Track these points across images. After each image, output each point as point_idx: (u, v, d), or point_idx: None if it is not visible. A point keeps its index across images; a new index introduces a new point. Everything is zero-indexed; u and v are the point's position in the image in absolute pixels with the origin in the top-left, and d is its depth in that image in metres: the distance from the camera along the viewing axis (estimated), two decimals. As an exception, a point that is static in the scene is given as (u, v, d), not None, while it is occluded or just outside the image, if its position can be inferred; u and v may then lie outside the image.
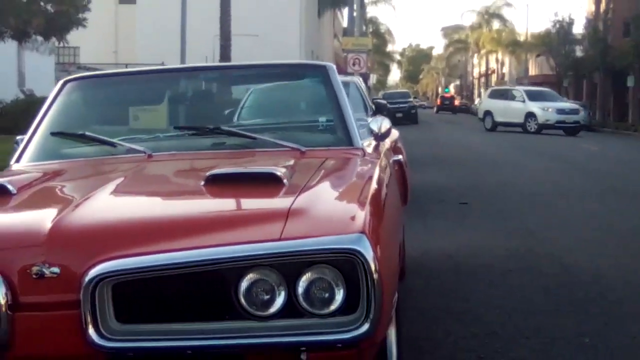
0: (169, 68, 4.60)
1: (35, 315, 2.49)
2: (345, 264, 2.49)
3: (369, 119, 4.45)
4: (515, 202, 11.25)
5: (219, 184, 3.10)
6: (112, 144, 4.02)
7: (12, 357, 2.50)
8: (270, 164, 3.34)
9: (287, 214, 2.65)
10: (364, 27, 52.93)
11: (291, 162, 3.42)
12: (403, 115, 39.57)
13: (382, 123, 4.25)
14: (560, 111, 34.31)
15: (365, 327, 2.48)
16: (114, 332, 2.49)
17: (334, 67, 4.43)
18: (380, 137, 4.25)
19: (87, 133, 4.08)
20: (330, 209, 2.83)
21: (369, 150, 4.04)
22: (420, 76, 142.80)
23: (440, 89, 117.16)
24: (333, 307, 2.52)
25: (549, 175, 15.12)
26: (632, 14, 42.50)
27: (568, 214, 10.11)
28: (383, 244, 2.71)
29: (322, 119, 4.27)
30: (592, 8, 51.96)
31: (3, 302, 2.45)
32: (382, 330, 2.62)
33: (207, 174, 3.13)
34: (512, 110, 35.40)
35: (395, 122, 6.03)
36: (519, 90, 38.15)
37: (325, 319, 2.52)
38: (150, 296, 2.54)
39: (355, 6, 40.66)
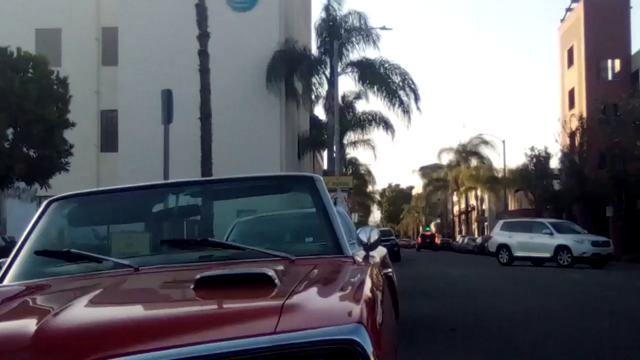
0: (153, 184, 4.56)
1: None
2: (343, 355, 2.40)
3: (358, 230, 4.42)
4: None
5: (209, 286, 3.03)
6: (98, 260, 3.95)
7: None
8: (260, 267, 3.28)
9: (280, 309, 2.57)
10: (344, 169, 53.58)
11: (282, 268, 3.36)
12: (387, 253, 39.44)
13: (370, 233, 4.22)
14: (595, 243, 33.21)
15: None
16: None
17: (321, 178, 4.43)
18: (369, 247, 4.21)
19: (72, 250, 4.01)
20: (325, 303, 2.77)
21: (359, 259, 3.99)
22: (401, 216, 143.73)
23: (421, 228, 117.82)
24: None
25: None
26: (606, 145, 43.38)
27: None
28: (379, 334, 2.64)
29: (311, 229, 4.23)
30: (568, 141, 52.98)
31: None
32: None
33: (197, 276, 3.05)
34: (537, 243, 33.69)
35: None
36: (544, 222, 36.45)
37: None
38: None
39: (334, 147, 41.22)
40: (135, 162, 35.73)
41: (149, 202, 4.55)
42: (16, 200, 27.62)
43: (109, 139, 41.38)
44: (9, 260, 4.17)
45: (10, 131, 22.90)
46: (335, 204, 4.35)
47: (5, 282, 4.00)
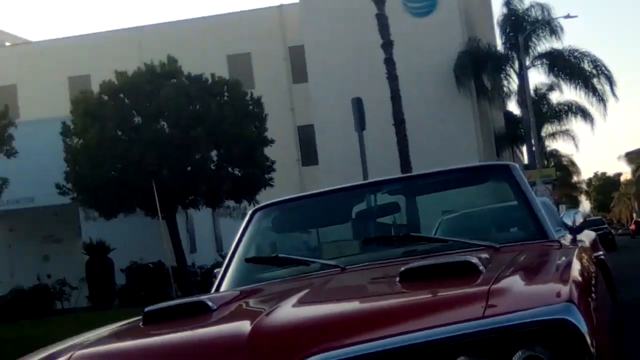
0: (351, 185, 4.64)
1: None
2: (556, 337, 2.35)
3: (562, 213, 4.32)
4: None
5: (413, 278, 3.05)
6: (306, 263, 4.06)
7: None
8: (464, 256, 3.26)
9: (487, 294, 2.56)
10: (545, 161, 52.22)
11: (486, 256, 3.33)
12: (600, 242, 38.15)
13: (575, 216, 4.11)
14: None
15: None
16: None
17: (517, 166, 4.36)
18: (575, 230, 4.10)
19: (280, 255, 4.15)
20: (532, 285, 2.74)
21: (566, 242, 3.90)
22: (612, 204, 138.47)
23: (634, 215, 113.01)
24: None
25: None
26: None
27: None
28: (592, 314, 2.56)
29: (513, 215, 4.18)
30: None
31: None
32: None
33: (401, 269, 3.08)
34: None
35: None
36: None
37: None
38: None
39: (532, 141, 40.32)
40: (335, 172, 36.22)
41: (349, 203, 4.63)
42: (228, 219, 28.68)
43: (308, 153, 42.22)
44: (222, 269, 4.37)
45: (214, 153, 23.83)
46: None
47: (221, 289, 4.18)
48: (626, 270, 19.65)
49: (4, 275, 28.03)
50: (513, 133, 46.81)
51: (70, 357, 2.84)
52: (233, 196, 24.14)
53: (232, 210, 29.17)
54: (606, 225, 45.56)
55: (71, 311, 22.85)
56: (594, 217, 57.70)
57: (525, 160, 48.32)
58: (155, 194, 9.30)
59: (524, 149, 48.63)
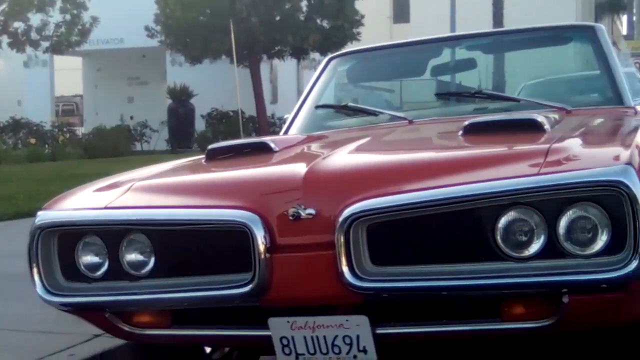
0: (431, 38, 4.54)
1: (292, 257, 2.51)
2: (610, 199, 2.32)
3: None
4: None
5: (477, 132, 3.02)
6: (375, 113, 4.05)
7: (270, 298, 2.53)
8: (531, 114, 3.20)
9: (546, 152, 2.52)
10: (646, 33, 50.31)
11: (555, 116, 3.26)
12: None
13: (659, 84, 3.96)
14: None
15: (634, 264, 2.28)
16: (369, 273, 2.46)
17: (603, 27, 4.20)
18: (657, 99, 3.96)
19: (350, 104, 4.13)
20: (593, 147, 2.68)
21: None
22: None
23: None
24: (597, 247, 2.35)
25: None
26: None
27: None
28: None
29: (590, 78, 4.06)
30: None
31: (262, 244, 2.49)
32: None
33: (465, 122, 3.05)
34: None
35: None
36: None
37: (589, 259, 2.36)
38: (405, 237, 2.49)
39: (634, 10, 38.81)
40: (427, 32, 35.34)
41: (426, 57, 4.55)
42: (312, 72, 28.63)
43: (401, 10, 41.46)
44: (292, 114, 4.38)
45: (304, 3, 23.57)
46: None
47: (290, 133, 4.21)
48: None
49: (90, 114, 28.77)
50: (615, 1, 45.06)
51: (131, 186, 2.91)
52: (319, 49, 23.96)
53: (317, 63, 29.01)
54: None
55: (150, 152, 23.34)
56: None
57: (624, 31, 46.69)
58: (233, 37, 9.27)
59: (625, 18, 46.89)
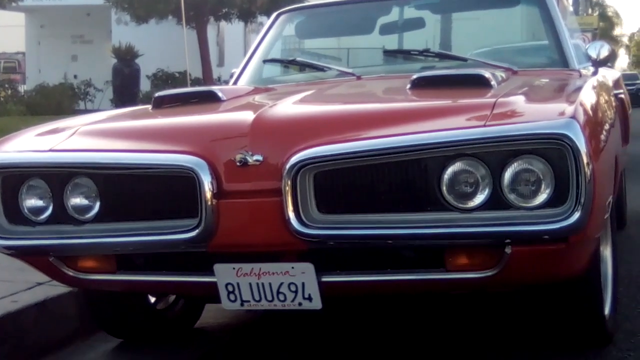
0: None
1: (239, 203, 2.52)
2: (554, 152, 2.36)
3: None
4: None
5: (424, 86, 3.05)
6: (322, 69, 4.06)
7: (216, 244, 2.54)
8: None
9: (493, 105, 2.55)
10: (590, 10, 51.02)
11: (503, 75, 3.29)
12: (631, 98, 37.65)
13: (600, 49, 4.01)
14: None
15: (575, 216, 2.33)
16: (315, 220, 2.48)
17: (550, -9, 4.24)
18: (598, 63, 4.02)
19: (298, 59, 4.13)
20: (539, 102, 2.72)
21: (586, 72, 3.84)
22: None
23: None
24: (540, 199, 2.40)
25: None
26: None
27: None
28: (596, 136, 2.55)
29: (536, 41, 4.11)
30: None
31: (209, 190, 2.49)
32: (593, 226, 2.46)
33: (414, 77, 3.06)
34: None
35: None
36: None
37: (532, 211, 2.40)
38: (351, 186, 2.51)
39: (580, -15, 39.25)
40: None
41: (375, 15, 4.55)
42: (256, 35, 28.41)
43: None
44: (240, 68, 4.37)
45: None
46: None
47: (237, 85, 4.19)
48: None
49: (32, 71, 28.24)
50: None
51: (77, 131, 2.88)
52: (267, 12, 23.76)
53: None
54: (639, 81, 44.79)
55: (94, 112, 22.99)
56: (628, 72, 56.84)
57: (570, 6, 47.22)
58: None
59: (569, -6, 47.46)
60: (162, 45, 23.76)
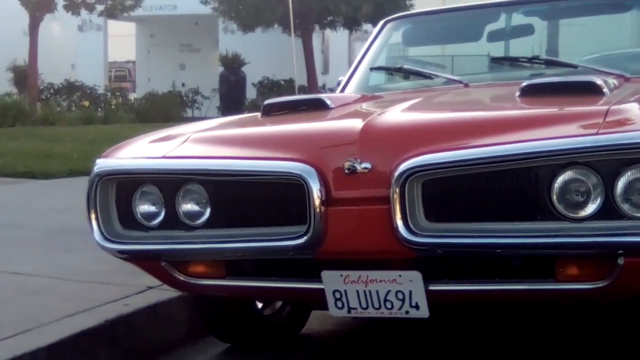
0: (488, 3, 4.49)
1: (347, 210, 2.53)
2: None
3: None
4: None
5: (534, 93, 3.01)
6: (430, 76, 4.04)
7: (324, 251, 2.56)
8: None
9: (605, 113, 2.50)
10: None
11: (615, 82, 3.22)
12: None
13: None
14: None
15: None
16: (423, 228, 2.47)
17: (665, -5, 4.13)
18: None
19: (405, 66, 4.13)
20: None
21: None
22: None
23: None
24: None
25: None
26: None
27: None
28: None
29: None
30: None
31: (317, 197, 2.51)
32: None
33: (523, 84, 3.03)
34: None
35: None
36: None
37: None
38: (460, 194, 2.50)
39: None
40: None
41: (482, 21, 4.51)
42: (364, 43, 28.40)
43: (454, -18, 41.13)
44: (347, 76, 4.38)
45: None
46: None
47: (345, 92, 4.22)
48: None
49: (142, 80, 28.92)
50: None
51: (188, 138, 2.94)
52: (371, 20, 23.77)
53: (369, 35, 28.86)
54: None
55: (201, 119, 23.39)
56: None
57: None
58: (291, 5, 9.23)
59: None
60: (268, 53, 24.04)
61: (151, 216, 2.83)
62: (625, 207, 2.36)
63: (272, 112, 3.34)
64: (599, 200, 2.37)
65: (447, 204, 2.51)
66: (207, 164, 2.77)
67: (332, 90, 23.76)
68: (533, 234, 2.41)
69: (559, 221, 2.41)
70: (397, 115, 2.82)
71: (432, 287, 2.54)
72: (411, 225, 2.46)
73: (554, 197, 2.40)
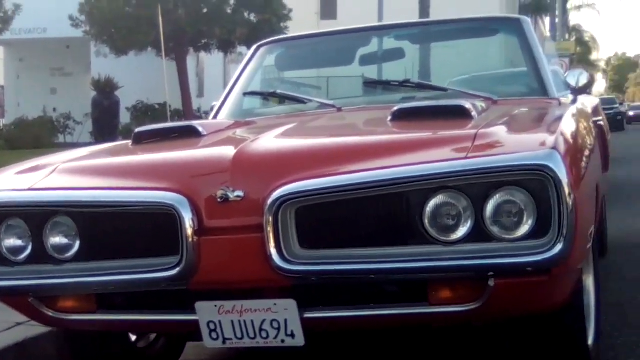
0: (360, 27, 4.55)
1: (220, 239, 2.49)
2: (535, 183, 2.35)
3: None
4: None
5: (405, 118, 3.04)
6: (303, 101, 4.05)
7: (198, 282, 2.51)
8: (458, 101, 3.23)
9: (474, 137, 2.54)
10: (567, 35, 51.55)
11: (483, 105, 3.29)
12: (609, 122, 37.88)
13: (579, 77, 4.03)
14: None
15: (558, 248, 2.33)
16: (297, 256, 2.46)
17: (529, 20, 4.27)
18: (577, 91, 4.03)
19: (278, 91, 4.13)
20: (520, 133, 2.73)
21: (565, 101, 3.86)
22: (627, 85, 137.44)
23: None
24: (523, 230, 2.39)
25: None
26: None
27: None
28: (577, 166, 2.55)
29: (516, 70, 4.13)
30: None
31: (190, 227, 2.47)
32: (576, 257, 2.45)
33: (394, 108, 3.06)
34: None
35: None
36: None
37: (515, 243, 2.39)
38: (334, 220, 2.49)
39: (557, 12, 39.60)
40: (353, 29, 35.73)
41: (354, 46, 4.56)
42: (239, 66, 28.40)
43: (328, 7, 41.63)
44: (220, 101, 4.36)
45: (232, -4, 23.41)
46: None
47: (218, 118, 4.18)
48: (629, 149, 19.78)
49: (11, 105, 28.14)
50: (538, 2, 46.01)
51: (56, 169, 2.85)
52: (246, 42, 23.80)
53: (243, 58, 28.88)
54: (617, 105, 45.18)
55: (73, 145, 22.90)
56: (606, 96, 57.27)
57: (547, 32, 47.68)
58: (161, 28, 9.15)
59: (547, 20, 47.95)
60: (141, 77, 23.75)
61: (17, 250, 2.72)
62: (495, 229, 2.40)
63: (143, 140, 3.28)
64: (469, 223, 2.41)
65: (321, 230, 2.50)
66: (75, 196, 2.68)
67: (207, 113, 23.81)
68: (406, 258, 2.43)
69: (431, 245, 2.43)
70: (270, 142, 2.80)
71: (307, 315, 2.53)
72: (285, 253, 2.44)
73: (426, 221, 2.42)
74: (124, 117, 24.41)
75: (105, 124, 23.34)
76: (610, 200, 6.35)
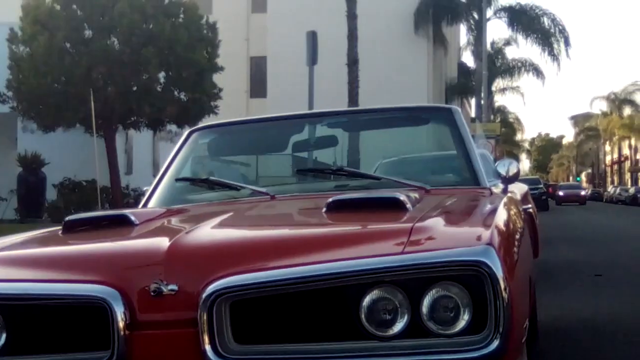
0: (292, 114, 4.58)
1: (153, 334, 2.44)
2: (471, 279, 2.36)
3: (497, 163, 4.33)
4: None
5: (339, 209, 3.04)
6: (236, 188, 4.03)
7: None
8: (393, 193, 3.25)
9: (410, 231, 2.55)
10: (492, 116, 52.77)
11: (415, 195, 3.32)
12: (534, 202, 38.64)
13: (509, 166, 4.11)
14: None
15: (495, 344, 2.32)
16: (232, 352, 2.41)
17: (460, 110, 4.36)
18: (508, 180, 4.11)
19: (211, 178, 4.11)
20: (455, 227, 2.74)
21: (496, 191, 3.92)
22: (550, 165, 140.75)
23: (571, 178, 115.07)
24: (459, 326, 2.38)
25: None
26: None
27: None
28: (511, 259, 2.57)
29: (448, 159, 4.19)
30: None
31: (121, 321, 2.41)
32: (512, 352, 2.45)
33: (329, 200, 3.06)
34: None
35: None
36: None
37: (451, 338, 2.38)
38: (269, 315, 2.46)
39: (482, 94, 40.60)
40: (283, 108, 35.60)
41: (287, 132, 4.58)
42: (168, 144, 28.33)
43: (257, 85, 42.05)
44: (151, 187, 4.31)
45: (162, 75, 23.43)
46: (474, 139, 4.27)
47: (149, 206, 4.13)
48: (553, 230, 20.17)
49: None
50: (464, 85, 47.22)
51: None
52: (176, 120, 23.81)
53: (174, 135, 28.73)
54: (542, 186, 46.21)
55: (-3, 222, 22.50)
56: (531, 177, 58.48)
57: (473, 113, 48.77)
58: (92, 107, 9.12)
59: (473, 101, 49.11)
60: (69, 153, 23.49)
61: None
62: (431, 324, 2.39)
63: (73, 228, 3.21)
64: (405, 318, 2.40)
65: (257, 325, 2.46)
66: (2, 288, 2.60)
67: (135, 190, 23.46)
68: (342, 354, 2.40)
69: (368, 340, 2.41)
70: (204, 234, 2.77)
71: None
72: (220, 349, 2.40)
73: (363, 316, 2.41)
74: (51, 194, 24.05)
75: (31, 200, 22.96)
76: (540, 285, 6.42)
